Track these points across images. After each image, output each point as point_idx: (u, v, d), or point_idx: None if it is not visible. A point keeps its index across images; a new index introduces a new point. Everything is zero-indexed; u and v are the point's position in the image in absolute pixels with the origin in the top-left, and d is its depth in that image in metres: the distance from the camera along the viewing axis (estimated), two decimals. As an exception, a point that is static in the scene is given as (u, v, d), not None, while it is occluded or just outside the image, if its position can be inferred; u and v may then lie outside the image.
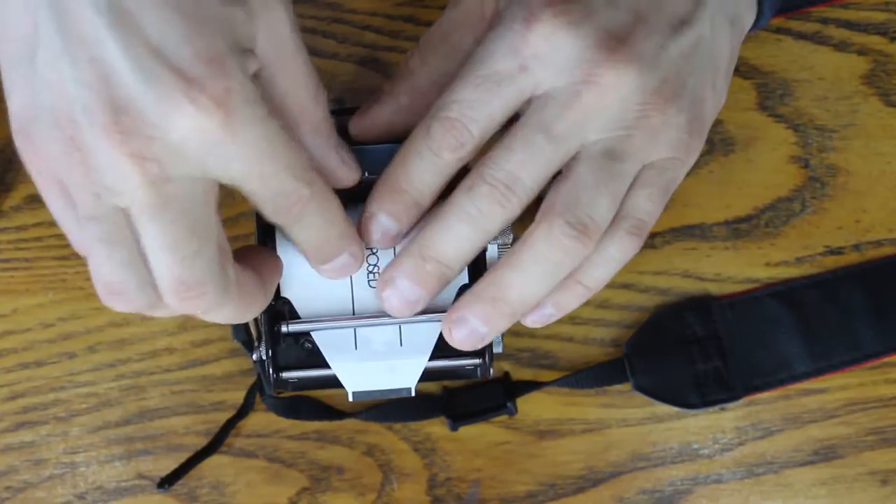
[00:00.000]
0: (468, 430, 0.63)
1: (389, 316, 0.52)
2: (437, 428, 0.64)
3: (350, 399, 0.52)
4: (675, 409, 0.64)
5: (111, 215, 0.44)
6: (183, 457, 0.63)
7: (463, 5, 0.53)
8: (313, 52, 0.64)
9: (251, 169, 0.44)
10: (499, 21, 0.50)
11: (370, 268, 0.52)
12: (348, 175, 0.51)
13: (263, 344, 0.52)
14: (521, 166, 0.49)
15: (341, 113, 0.54)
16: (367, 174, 0.52)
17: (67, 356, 0.63)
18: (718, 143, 0.64)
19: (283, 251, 0.52)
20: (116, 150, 0.42)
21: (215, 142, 0.43)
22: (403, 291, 0.50)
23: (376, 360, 0.52)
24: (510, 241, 0.52)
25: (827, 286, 0.64)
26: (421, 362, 0.52)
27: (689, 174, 0.65)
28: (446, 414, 0.63)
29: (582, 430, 0.64)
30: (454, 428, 0.63)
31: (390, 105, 0.53)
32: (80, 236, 0.46)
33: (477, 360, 0.53)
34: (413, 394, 0.52)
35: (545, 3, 0.49)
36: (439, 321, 0.52)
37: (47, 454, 0.64)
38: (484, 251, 0.52)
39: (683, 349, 0.63)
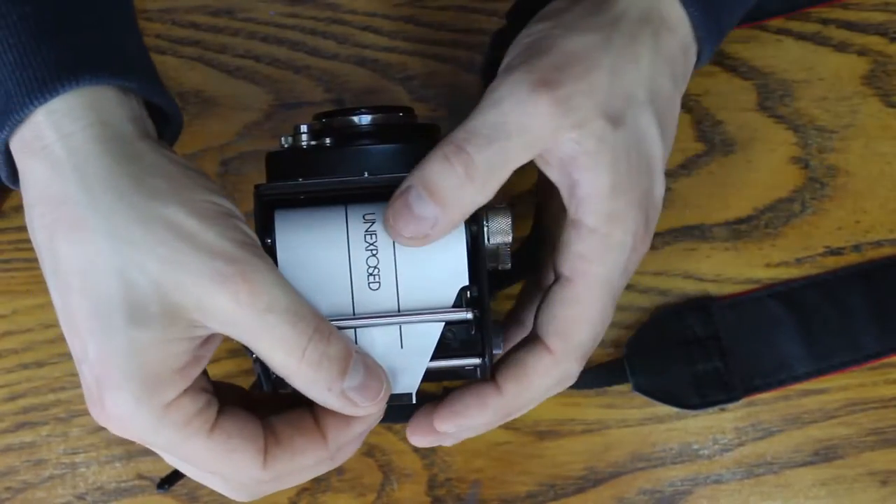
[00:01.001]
0: (468, 431, 0.63)
1: (390, 316, 0.51)
2: (437, 428, 0.64)
3: None
4: (675, 410, 0.64)
5: None
6: (183, 457, 0.63)
7: None
8: (313, 51, 0.65)
9: None
10: None
11: (370, 269, 0.52)
12: (358, 409, 0.49)
13: None
14: None
15: (342, 114, 0.54)
16: (366, 174, 0.51)
17: (67, 356, 0.63)
18: (718, 144, 0.64)
19: (283, 243, 0.52)
20: None
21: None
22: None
23: None
24: (510, 240, 0.52)
25: (827, 287, 0.64)
26: (422, 366, 0.52)
27: (688, 174, 0.65)
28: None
29: (582, 431, 0.64)
30: (454, 428, 0.63)
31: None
32: None
33: (477, 361, 0.53)
34: (414, 400, 0.52)
35: None
36: (441, 321, 0.52)
37: (47, 454, 0.64)
38: (484, 252, 0.52)
39: (683, 350, 0.63)
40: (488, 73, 0.64)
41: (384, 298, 0.52)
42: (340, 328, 0.52)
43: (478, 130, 0.49)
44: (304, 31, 0.65)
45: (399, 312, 0.52)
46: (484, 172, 0.48)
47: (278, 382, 0.53)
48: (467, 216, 0.50)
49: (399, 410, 0.58)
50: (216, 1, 0.65)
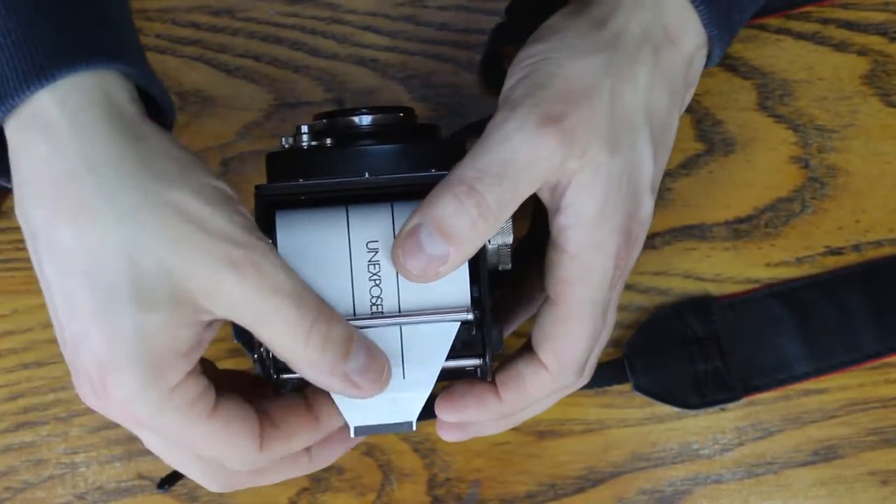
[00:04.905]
0: (468, 431, 0.63)
1: (391, 316, 0.51)
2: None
3: (352, 435, 0.52)
4: (675, 410, 0.64)
5: None
6: (183, 457, 0.63)
7: None
8: (313, 51, 0.65)
9: None
10: None
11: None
12: (361, 392, 0.49)
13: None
14: None
15: (342, 114, 0.54)
16: (367, 175, 0.51)
17: (67, 356, 0.63)
18: (718, 144, 0.64)
19: (284, 243, 0.52)
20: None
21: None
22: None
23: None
24: (510, 240, 0.52)
25: (827, 286, 0.64)
26: (423, 395, 0.52)
27: (688, 174, 0.65)
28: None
29: (582, 431, 0.64)
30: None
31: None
32: None
33: (477, 361, 0.53)
34: (414, 428, 0.52)
35: None
36: (441, 321, 0.52)
37: (47, 454, 0.64)
38: (484, 252, 0.52)
39: (683, 349, 0.63)
40: (487, 69, 0.64)
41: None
42: None
43: (488, 169, 0.49)
44: (303, 31, 0.65)
45: (400, 313, 0.52)
46: (496, 211, 0.49)
47: (279, 384, 0.53)
48: (477, 250, 0.50)
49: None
50: (216, 1, 0.65)
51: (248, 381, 0.54)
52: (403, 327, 0.52)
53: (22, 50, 0.45)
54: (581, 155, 0.49)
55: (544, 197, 0.50)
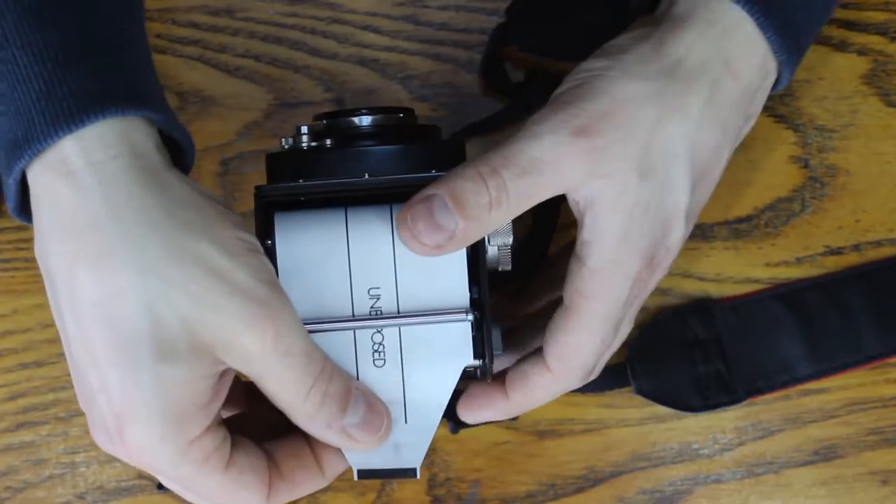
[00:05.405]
0: (468, 431, 0.63)
1: (389, 318, 0.51)
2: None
3: (356, 478, 0.52)
4: (675, 410, 0.64)
5: None
6: (183, 457, 0.63)
7: None
8: (313, 51, 0.65)
9: None
10: None
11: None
12: (358, 445, 0.50)
13: None
14: None
15: (342, 115, 0.54)
16: (367, 175, 0.51)
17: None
18: (718, 144, 0.64)
19: (283, 245, 0.52)
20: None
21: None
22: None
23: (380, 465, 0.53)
24: (510, 241, 0.52)
25: (828, 288, 0.64)
26: (426, 441, 0.52)
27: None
28: (447, 417, 0.63)
29: (582, 430, 0.64)
30: (455, 431, 0.63)
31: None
32: None
33: (477, 362, 0.53)
34: (418, 476, 0.52)
35: None
36: (439, 322, 0.52)
37: (47, 454, 0.64)
38: (484, 252, 0.52)
39: (685, 352, 0.63)
40: (487, 70, 0.64)
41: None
42: (339, 329, 0.52)
43: (515, 159, 0.49)
44: (304, 31, 0.65)
45: (399, 314, 0.52)
46: (512, 200, 0.49)
47: None
48: (481, 237, 0.50)
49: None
50: (216, 1, 0.65)
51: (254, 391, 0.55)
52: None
53: (52, 95, 0.45)
54: (609, 175, 0.49)
55: (573, 207, 0.51)
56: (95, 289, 0.45)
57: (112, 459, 0.63)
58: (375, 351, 0.52)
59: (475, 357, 0.52)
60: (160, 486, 0.61)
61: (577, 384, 0.53)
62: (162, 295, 0.45)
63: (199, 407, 0.46)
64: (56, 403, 0.63)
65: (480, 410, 0.55)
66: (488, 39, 0.64)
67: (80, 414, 0.63)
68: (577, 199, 0.50)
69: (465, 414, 0.55)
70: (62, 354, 0.63)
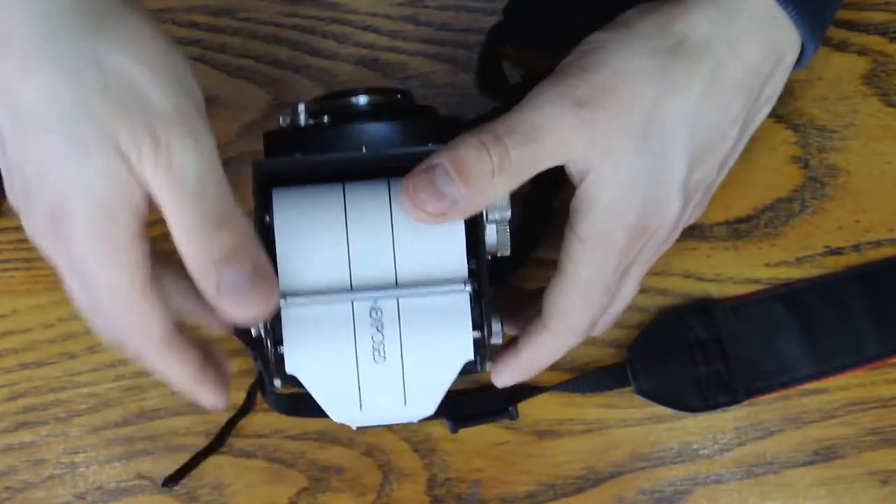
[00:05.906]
0: (468, 431, 0.63)
1: (386, 289, 0.51)
2: (437, 428, 0.64)
3: (353, 427, 0.53)
4: (675, 410, 0.64)
5: None
6: (183, 457, 0.63)
7: None
8: (314, 51, 0.65)
9: None
10: None
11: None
12: (232, 311, 0.47)
13: (269, 342, 0.52)
14: None
15: (340, 95, 0.54)
16: (364, 149, 0.51)
17: (67, 356, 0.63)
18: (718, 144, 0.64)
19: (281, 220, 0.52)
20: None
21: None
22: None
23: (380, 422, 0.53)
24: (508, 215, 0.52)
25: (828, 288, 0.64)
26: (430, 406, 0.53)
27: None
28: (447, 416, 0.63)
29: (582, 431, 0.64)
30: (454, 430, 0.63)
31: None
32: None
33: (476, 334, 0.53)
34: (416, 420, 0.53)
35: None
36: (438, 294, 0.52)
37: (47, 454, 0.64)
38: (482, 224, 0.52)
39: (685, 352, 0.63)
40: (483, 70, 0.64)
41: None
42: (337, 302, 0.52)
43: (517, 127, 0.50)
44: (303, 31, 0.65)
45: (396, 286, 0.51)
46: (515, 168, 0.50)
47: (287, 379, 0.53)
48: (483, 207, 0.51)
49: None
50: (216, 1, 0.65)
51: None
52: (402, 304, 0.52)
53: None
54: (605, 147, 0.50)
55: (570, 176, 0.51)
56: (32, 94, 0.44)
57: (112, 459, 0.63)
58: (374, 323, 0.52)
59: (474, 328, 0.52)
60: (165, 484, 0.62)
61: (575, 342, 0.55)
62: (90, 87, 0.44)
63: (129, 207, 0.45)
64: (56, 404, 0.63)
65: (498, 374, 0.56)
66: (485, 39, 0.64)
67: (81, 414, 0.63)
68: (574, 169, 0.51)
69: (497, 378, 0.56)
70: (62, 354, 0.63)
